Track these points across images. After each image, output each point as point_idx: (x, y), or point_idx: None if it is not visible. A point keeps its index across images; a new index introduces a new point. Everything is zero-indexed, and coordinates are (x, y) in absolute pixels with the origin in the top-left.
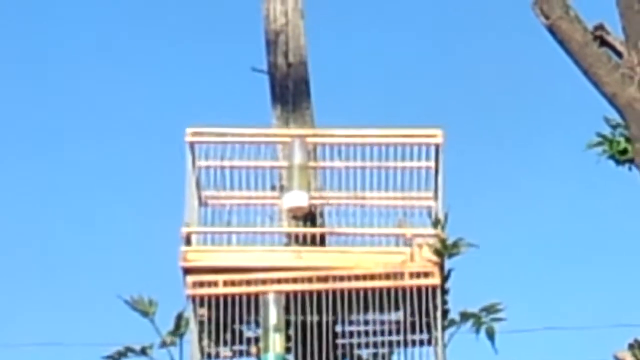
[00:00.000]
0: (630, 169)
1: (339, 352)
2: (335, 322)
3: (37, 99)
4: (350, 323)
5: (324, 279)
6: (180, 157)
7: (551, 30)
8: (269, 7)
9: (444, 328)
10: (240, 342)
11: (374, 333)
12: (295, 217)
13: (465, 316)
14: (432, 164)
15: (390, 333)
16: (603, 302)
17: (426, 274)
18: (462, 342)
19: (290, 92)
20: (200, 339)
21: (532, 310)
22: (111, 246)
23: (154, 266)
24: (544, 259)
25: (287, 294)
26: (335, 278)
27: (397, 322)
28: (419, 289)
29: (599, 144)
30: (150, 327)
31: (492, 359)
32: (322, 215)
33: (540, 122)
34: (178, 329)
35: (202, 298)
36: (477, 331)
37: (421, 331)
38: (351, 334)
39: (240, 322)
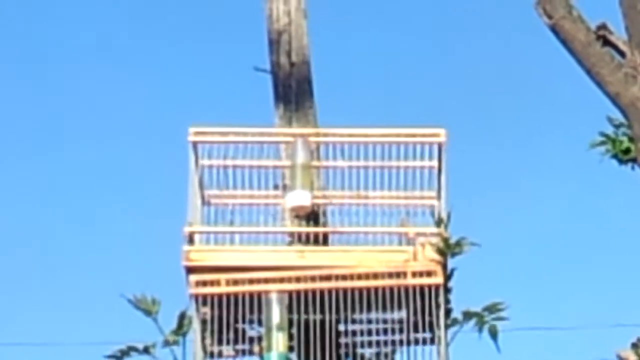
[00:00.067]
0: (633, 168)
1: (342, 351)
2: (338, 321)
3: (37, 99)
4: (353, 322)
5: (327, 278)
6: (183, 156)
7: (554, 29)
8: (271, 7)
9: (446, 327)
10: (243, 341)
11: (377, 332)
12: (298, 217)
13: (468, 315)
14: (435, 163)
15: (393, 332)
16: (606, 302)
17: (429, 273)
18: (464, 341)
19: (293, 91)
20: (203, 338)
21: (535, 309)
22: (114, 245)
23: (157, 265)
24: (547, 258)
25: (290, 293)
26: (338, 277)
27: (400, 321)
28: (421, 288)
29: (602, 143)
30: (153, 326)
31: (495, 358)
32: (324, 214)
33: (543, 121)
34: (181, 328)
35: (204, 297)
36: (480, 330)
37: (424, 330)
38: (354, 332)
39: (243, 321)
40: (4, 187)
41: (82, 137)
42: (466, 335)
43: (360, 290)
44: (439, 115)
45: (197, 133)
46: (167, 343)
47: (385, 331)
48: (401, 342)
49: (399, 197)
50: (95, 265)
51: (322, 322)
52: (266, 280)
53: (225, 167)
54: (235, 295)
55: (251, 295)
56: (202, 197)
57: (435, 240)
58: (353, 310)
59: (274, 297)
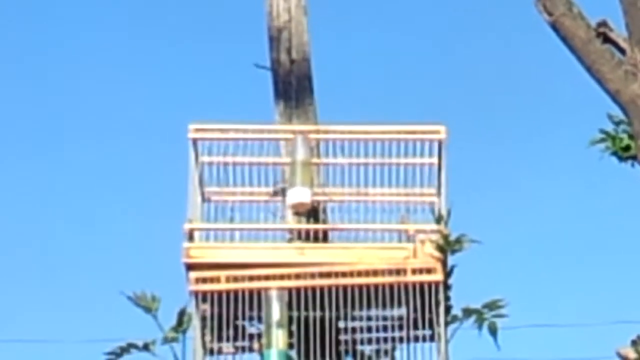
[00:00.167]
0: (633, 165)
1: (342, 348)
2: (338, 318)
3: (37, 99)
4: (353, 319)
5: (327, 275)
6: (183, 153)
7: (554, 27)
8: (272, 4)
9: (446, 324)
10: (243, 338)
11: (377, 329)
12: (298, 213)
13: (467, 312)
14: (435, 160)
15: (392, 329)
16: (606, 299)
17: (429, 270)
18: (464, 338)
19: (293, 88)
20: (203, 335)
21: (535, 306)
22: (114, 243)
23: (157, 262)
24: (547, 255)
25: (290, 290)
26: (337, 274)
27: (400, 318)
28: (421, 285)
29: (602, 140)
30: (152, 323)
31: (495, 355)
32: (324, 211)
33: (543, 118)
34: (181, 325)
35: (204, 294)
36: (480, 327)
37: (424, 327)
38: (354, 330)
39: (243, 318)
40: (3, 187)
41: (81, 136)
42: (466, 332)
43: (360, 287)
44: (438, 112)
45: (197, 130)
46: (166, 340)
47: (385, 328)
48: (401, 339)
49: (399, 194)
50: (95, 263)
51: (322, 319)
52: (266, 277)
53: (225, 164)
54: (235, 292)
55: (251, 292)
56: (202, 194)
57: (435, 237)
58: (353, 308)
59: (273, 294)
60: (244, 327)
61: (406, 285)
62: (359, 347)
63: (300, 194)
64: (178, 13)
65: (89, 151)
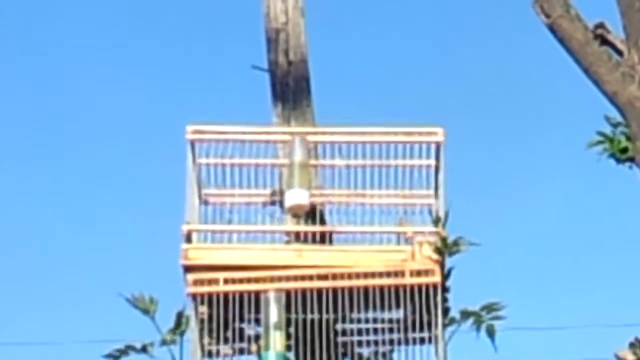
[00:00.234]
0: (630, 167)
1: (340, 350)
2: (336, 320)
3: (37, 99)
4: (351, 321)
5: (325, 277)
6: (181, 155)
7: (552, 28)
8: (269, 5)
9: (444, 326)
10: (241, 340)
11: (375, 331)
12: (296, 215)
13: (465, 314)
14: (432, 162)
15: (391, 331)
16: (604, 301)
17: (427, 272)
18: (462, 341)
19: (290, 90)
20: (201, 337)
21: (533, 308)
22: (112, 244)
23: (155, 264)
24: (545, 257)
25: (288, 292)
26: (336, 276)
27: (398, 320)
28: (419, 287)
29: (600, 142)
30: (151, 325)
31: (493, 357)
32: (322, 213)
33: (540, 120)
34: (179, 327)
35: (202, 296)
36: (478, 329)
37: (422, 329)
38: (352, 332)
39: (241, 320)
40: (3, 188)
41: (80, 138)
42: (464, 334)
43: (358, 289)
44: (436, 113)
45: (194, 132)
46: (164, 342)
47: (383, 330)
48: (399, 341)
49: (397, 196)
50: (93, 265)
51: (320, 321)
52: (264, 279)
53: (223, 165)
54: (233, 294)
55: (249, 294)
56: (200, 196)
57: (433, 239)
58: (351, 310)
59: (271, 296)
60: (242, 329)
61: (404, 288)
62: (357, 349)
63: (298, 196)
64: (175, 15)
65: (87, 152)
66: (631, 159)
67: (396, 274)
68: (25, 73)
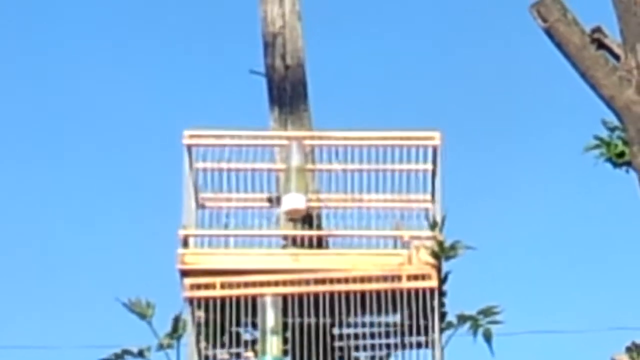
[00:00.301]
0: (627, 171)
1: (337, 354)
2: (332, 325)
3: (37, 99)
4: (348, 325)
5: (322, 282)
6: (177, 159)
7: (549, 33)
8: (266, 10)
9: (441, 330)
10: (238, 345)
11: (372, 335)
12: (292, 220)
13: (462, 319)
14: (429, 166)
15: (387, 335)
16: (600, 305)
17: (423, 277)
18: (459, 345)
19: (287, 94)
20: (198, 342)
21: (530, 313)
22: (109, 249)
23: (152, 269)
24: (541, 261)
25: (285, 297)
26: (332, 280)
27: (395, 325)
28: (416, 291)
29: (597, 146)
30: (147, 329)
31: None
32: (319, 217)
33: (537, 124)
34: (175, 332)
35: (199, 300)
36: (475, 334)
37: (419, 334)
38: (349, 336)
39: (238, 324)
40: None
41: (77, 142)
42: (461, 338)
43: (355, 293)
44: (433, 117)
45: (191, 136)
46: (161, 347)
47: (379, 335)
48: (396, 345)
49: (394, 200)
50: (89, 269)
51: (317, 325)
52: (261, 284)
53: (220, 170)
54: (230, 298)
55: (246, 298)
56: (197, 200)
57: (429, 243)
58: (348, 314)
59: (268, 300)
60: (238, 334)
61: (401, 292)
62: (353, 354)
63: (295, 200)
64: (173, 17)
65: (85, 154)
66: (628, 163)
67: (393, 278)
68: (25, 73)
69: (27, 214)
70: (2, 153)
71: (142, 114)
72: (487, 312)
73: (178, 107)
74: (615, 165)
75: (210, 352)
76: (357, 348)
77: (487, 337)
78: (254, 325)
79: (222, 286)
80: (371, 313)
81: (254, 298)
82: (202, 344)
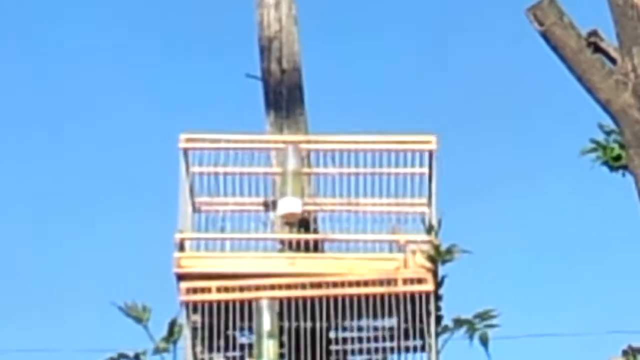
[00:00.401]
0: (624, 175)
1: (333, 358)
2: (328, 329)
3: (37, 99)
4: (344, 329)
5: (318, 285)
6: (173, 163)
7: (545, 36)
8: (262, 14)
9: (437, 334)
10: (234, 349)
11: (368, 339)
12: (288, 224)
13: (458, 322)
14: (425, 170)
15: (383, 339)
16: (597, 309)
17: (419, 281)
18: (455, 349)
19: (284, 98)
20: (194, 345)
21: (526, 316)
22: (105, 252)
23: (148, 272)
24: (538, 265)
25: (281, 300)
26: (328, 284)
27: (391, 329)
28: (412, 295)
29: (593, 150)
30: (143, 333)
31: None
32: (315, 221)
33: (534, 128)
34: (171, 335)
35: (195, 304)
36: (471, 337)
37: (415, 337)
38: (345, 340)
39: (234, 328)
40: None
41: (75, 143)
42: (457, 342)
43: (351, 297)
44: (429, 121)
45: (187, 140)
46: (157, 350)
47: (376, 339)
48: (392, 349)
49: (390, 204)
50: (85, 273)
51: (313, 329)
52: (257, 288)
53: (216, 174)
54: (226, 302)
55: (242, 302)
56: (193, 204)
57: (425, 247)
58: (344, 318)
59: (264, 304)
60: (234, 338)
61: (397, 296)
62: (349, 358)
63: (291, 204)
64: (169, 21)
65: (83, 156)
66: (624, 167)
67: (389, 282)
68: (25, 73)
69: (26, 215)
70: (2, 153)
71: (138, 117)
72: (483, 316)
73: (174, 111)
74: (612, 168)
75: (206, 356)
76: (353, 352)
77: (484, 341)
78: (250, 329)
79: (218, 290)
80: (367, 317)
81: (250, 302)
82: (198, 348)
